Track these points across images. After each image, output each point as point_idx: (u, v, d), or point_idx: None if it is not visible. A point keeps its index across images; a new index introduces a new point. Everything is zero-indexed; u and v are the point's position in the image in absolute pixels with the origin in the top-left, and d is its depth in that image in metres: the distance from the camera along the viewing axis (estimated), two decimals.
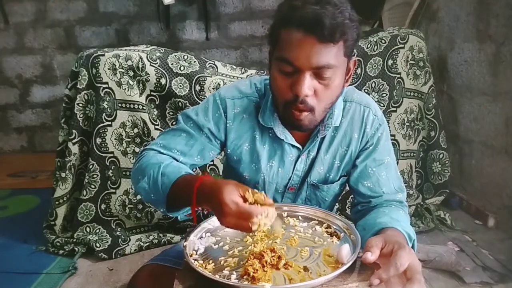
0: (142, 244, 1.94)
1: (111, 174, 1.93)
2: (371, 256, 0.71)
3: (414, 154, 2.25)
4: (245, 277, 0.71)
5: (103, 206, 1.95)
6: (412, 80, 2.17)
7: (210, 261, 0.78)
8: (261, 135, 1.02)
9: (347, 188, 1.13)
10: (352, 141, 1.02)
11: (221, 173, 1.98)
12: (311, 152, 1.03)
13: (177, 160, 0.98)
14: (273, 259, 0.75)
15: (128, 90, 1.90)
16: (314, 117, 0.89)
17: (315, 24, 0.78)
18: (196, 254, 0.81)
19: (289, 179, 1.06)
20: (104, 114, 1.89)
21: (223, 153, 1.13)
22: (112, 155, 1.93)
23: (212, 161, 2.02)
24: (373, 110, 1.03)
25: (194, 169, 1.12)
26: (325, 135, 1.01)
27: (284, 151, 1.02)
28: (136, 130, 1.95)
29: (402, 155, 2.20)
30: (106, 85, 1.88)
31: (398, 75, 2.13)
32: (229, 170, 1.11)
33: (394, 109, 2.17)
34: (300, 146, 1.02)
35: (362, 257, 0.72)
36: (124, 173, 1.95)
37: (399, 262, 0.68)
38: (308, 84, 0.83)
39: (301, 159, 1.03)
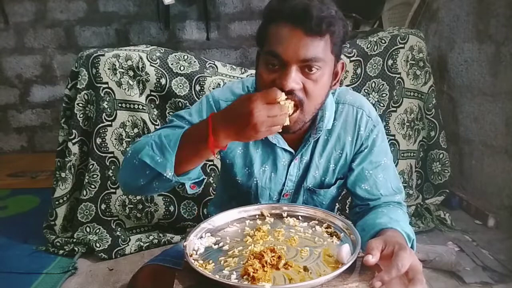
0: (142, 244, 1.94)
1: (111, 174, 1.93)
2: (372, 258, 0.71)
3: (414, 154, 2.24)
4: (245, 277, 0.71)
5: (103, 206, 1.95)
6: (412, 80, 2.17)
7: (210, 261, 0.78)
8: None
9: None
10: (346, 144, 1.01)
11: None
12: (304, 156, 1.02)
13: None
14: (273, 259, 0.75)
15: (128, 90, 1.90)
16: (303, 115, 0.87)
17: (302, 16, 0.79)
18: (196, 254, 0.81)
19: (283, 184, 1.05)
20: (104, 114, 1.89)
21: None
22: (112, 155, 1.93)
23: (212, 161, 2.02)
24: (366, 111, 1.01)
25: None
26: (318, 138, 1.00)
27: (277, 156, 1.01)
28: (136, 130, 1.95)
29: (402, 155, 2.19)
30: (106, 85, 1.88)
31: (398, 75, 2.13)
32: (224, 173, 1.10)
33: (394, 109, 2.17)
34: (292, 151, 1.00)
35: (364, 260, 0.72)
36: None
37: (400, 263, 0.68)
38: (293, 77, 0.81)
39: (294, 164, 1.02)
